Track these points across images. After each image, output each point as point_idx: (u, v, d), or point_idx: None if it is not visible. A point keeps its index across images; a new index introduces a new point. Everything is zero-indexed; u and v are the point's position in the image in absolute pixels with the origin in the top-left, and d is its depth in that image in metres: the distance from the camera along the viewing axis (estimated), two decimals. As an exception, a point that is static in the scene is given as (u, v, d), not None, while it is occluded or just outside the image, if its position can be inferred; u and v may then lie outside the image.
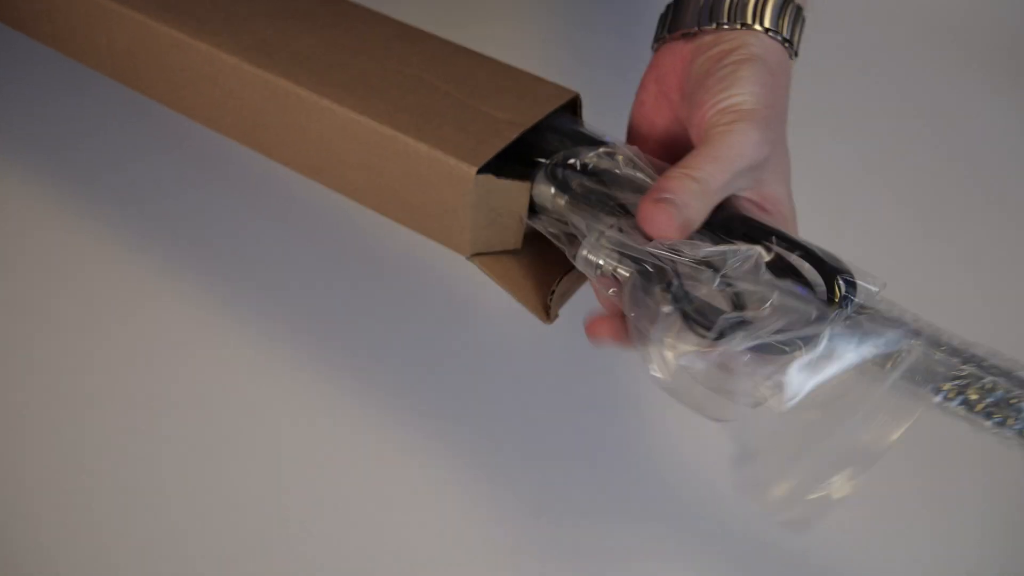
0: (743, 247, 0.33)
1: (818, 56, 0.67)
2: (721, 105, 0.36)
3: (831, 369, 0.31)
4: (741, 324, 0.31)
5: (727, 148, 0.35)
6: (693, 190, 0.34)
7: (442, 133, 0.39)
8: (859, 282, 0.33)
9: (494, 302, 0.60)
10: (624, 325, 0.37)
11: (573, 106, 0.43)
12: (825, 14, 0.73)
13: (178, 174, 0.68)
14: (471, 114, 0.41)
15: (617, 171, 0.37)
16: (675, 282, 0.33)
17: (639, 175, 0.37)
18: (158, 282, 0.61)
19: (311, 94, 0.41)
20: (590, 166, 0.38)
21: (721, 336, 0.31)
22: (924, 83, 0.83)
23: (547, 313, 0.41)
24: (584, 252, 0.35)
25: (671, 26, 0.41)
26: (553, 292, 0.41)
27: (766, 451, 0.33)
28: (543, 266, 0.42)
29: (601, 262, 0.35)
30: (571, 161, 0.38)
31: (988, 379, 0.31)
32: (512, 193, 0.39)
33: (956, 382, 0.31)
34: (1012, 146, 0.77)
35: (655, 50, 0.43)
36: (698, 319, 0.32)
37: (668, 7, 0.42)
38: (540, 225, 0.39)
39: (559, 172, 0.38)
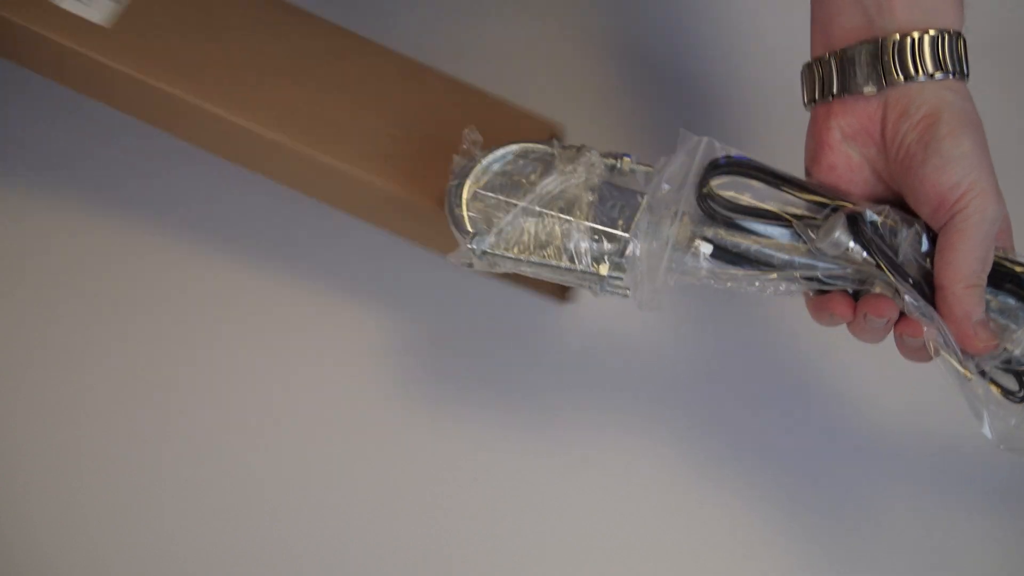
0: None
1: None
2: (963, 188, 0.40)
3: None
4: None
5: (982, 238, 0.40)
6: (981, 296, 0.41)
7: None
8: None
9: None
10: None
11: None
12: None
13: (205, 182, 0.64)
14: None
15: (900, 235, 0.42)
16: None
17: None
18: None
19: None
20: (884, 229, 0.43)
21: None
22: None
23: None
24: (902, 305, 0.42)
25: (840, 86, 0.43)
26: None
27: None
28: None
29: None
30: (871, 219, 0.42)
31: None
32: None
33: None
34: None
35: (812, 109, 0.45)
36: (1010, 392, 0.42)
37: (819, 64, 0.44)
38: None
39: (858, 224, 0.42)
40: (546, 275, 0.46)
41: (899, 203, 0.44)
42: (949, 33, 0.41)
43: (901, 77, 0.41)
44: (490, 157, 0.47)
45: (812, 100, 0.45)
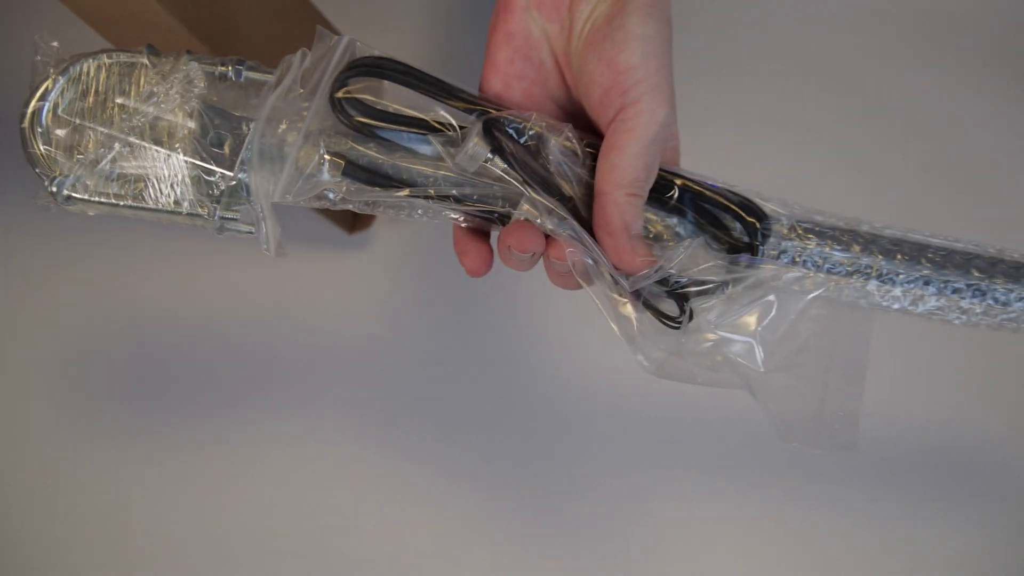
0: (685, 244, 0.37)
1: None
2: (639, 75, 0.36)
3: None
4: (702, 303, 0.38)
5: (650, 142, 0.36)
6: (641, 208, 0.37)
7: None
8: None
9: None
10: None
11: None
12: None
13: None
14: None
15: (551, 144, 0.38)
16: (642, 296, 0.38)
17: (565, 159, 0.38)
18: None
19: None
20: (527, 135, 0.38)
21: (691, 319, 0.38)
22: (911, 78, 0.79)
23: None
24: (548, 226, 0.37)
25: None
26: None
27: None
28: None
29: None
30: (510, 126, 0.37)
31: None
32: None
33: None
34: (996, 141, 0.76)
35: None
36: (668, 317, 0.38)
37: None
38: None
39: (495, 134, 0.37)
40: (150, 218, 0.39)
41: (563, 113, 0.41)
42: None
43: None
44: (69, 73, 0.38)
45: None
